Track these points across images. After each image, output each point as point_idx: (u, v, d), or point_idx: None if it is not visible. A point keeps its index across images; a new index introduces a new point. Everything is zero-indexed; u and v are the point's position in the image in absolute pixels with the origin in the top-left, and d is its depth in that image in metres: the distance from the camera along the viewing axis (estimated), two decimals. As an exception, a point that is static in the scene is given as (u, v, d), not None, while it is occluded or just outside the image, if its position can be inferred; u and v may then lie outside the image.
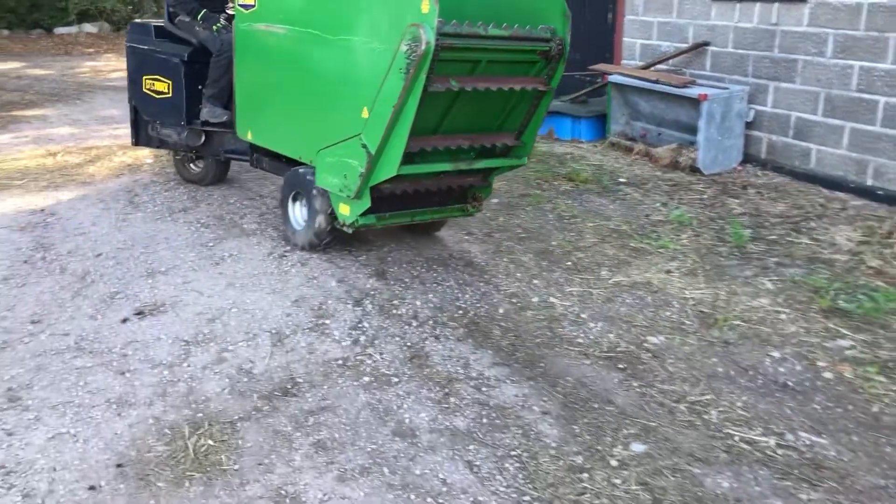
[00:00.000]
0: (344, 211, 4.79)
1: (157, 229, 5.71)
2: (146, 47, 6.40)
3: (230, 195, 6.57)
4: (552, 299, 4.75)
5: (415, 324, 4.35)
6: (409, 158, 4.41)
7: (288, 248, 5.40)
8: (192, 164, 6.86)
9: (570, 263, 5.33)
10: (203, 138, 6.35)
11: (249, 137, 5.64)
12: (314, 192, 4.96)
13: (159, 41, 6.38)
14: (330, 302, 4.56)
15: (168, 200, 6.39)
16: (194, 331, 4.15)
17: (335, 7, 4.73)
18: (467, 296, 4.75)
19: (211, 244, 5.45)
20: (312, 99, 4.91)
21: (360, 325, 4.28)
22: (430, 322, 4.37)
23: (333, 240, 5.17)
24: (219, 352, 3.95)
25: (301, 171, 5.12)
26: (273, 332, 4.17)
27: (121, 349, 3.93)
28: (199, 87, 6.16)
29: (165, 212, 6.10)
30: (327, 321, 4.32)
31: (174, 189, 6.71)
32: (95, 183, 6.83)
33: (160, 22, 6.59)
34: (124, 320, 4.25)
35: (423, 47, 3.96)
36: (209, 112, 6.05)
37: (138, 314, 4.33)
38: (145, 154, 7.66)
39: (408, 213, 5.02)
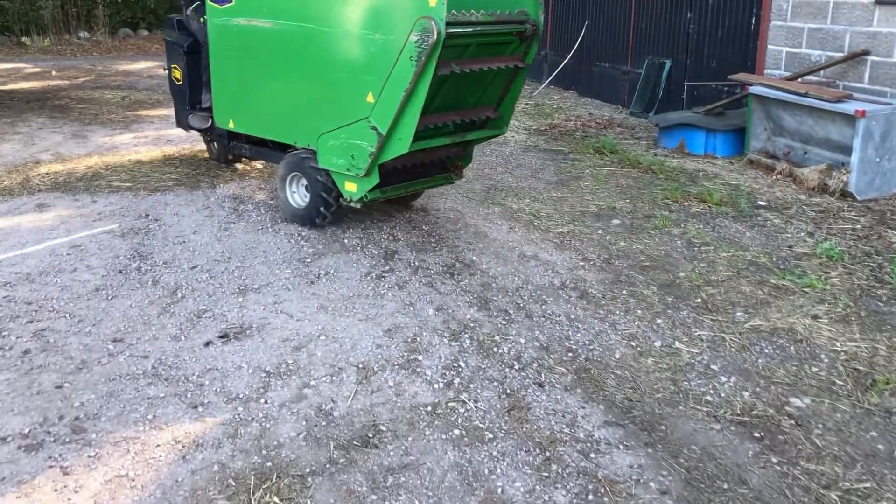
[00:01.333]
0: (350, 188, 5.28)
1: (257, 241, 5.47)
2: (170, 39, 6.93)
3: (335, 206, 6.27)
4: (678, 344, 4.16)
5: (517, 366, 3.87)
6: (415, 136, 4.92)
7: (388, 267, 5.04)
8: (212, 145, 7.32)
9: (699, 301, 4.70)
10: (209, 122, 6.62)
11: (231, 126, 6.13)
12: (316, 173, 5.40)
13: (179, 33, 6.82)
14: (425, 334, 4.14)
15: (273, 210, 6.17)
16: (277, 360, 3.82)
17: (331, 3, 5.08)
18: (579, 335, 4.23)
19: (308, 260, 5.15)
20: (309, 88, 5.36)
21: (455, 365, 3.84)
22: (535, 365, 3.88)
23: (333, 218, 5.64)
24: (300, 387, 3.60)
25: (301, 154, 5.52)
26: (360, 366, 3.80)
27: (198, 377, 3.65)
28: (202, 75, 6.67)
29: (268, 222, 5.87)
30: (420, 357, 3.90)
31: (279, 197, 6.48)
32: (204, 188, 6.70)
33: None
34: (207, 343, 3.98)
35: (435, 37, 4.43)
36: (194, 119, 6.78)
37: (223, 337, 4.05)
38: (256, 162, 7.49)
39: (402, 185, 5.54)
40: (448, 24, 4.52)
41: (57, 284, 4.66)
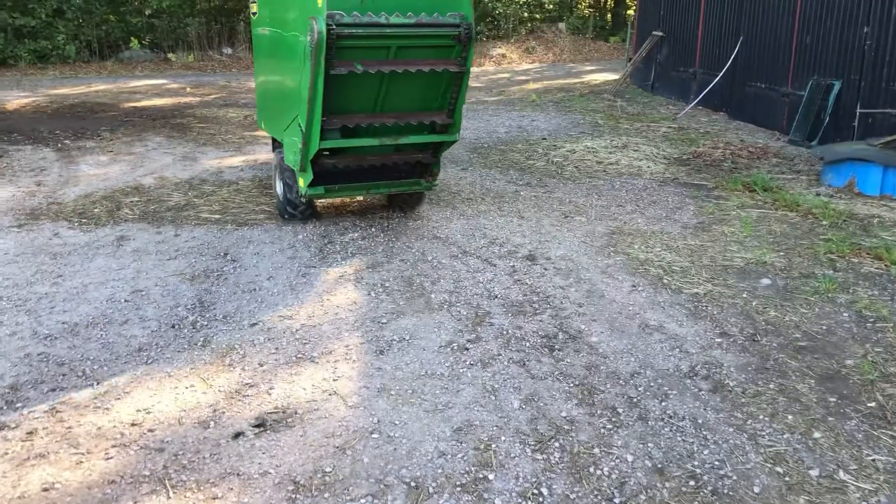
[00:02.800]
0: (301, 183, 5.56)
1: (334, 290, 4.78)
2: None
3: (431, 251, 5.53)
4: (842, 474, 3.09)
5: (617, 499, 2.91)
6: (348, 134, 5.36)
7: (474, 335, 4.21)
8: None
9: (873, 405, 3.58)
10: None
11: (262, 127, 6.80)
12: (283, 168, 5.79)
13: None
14: (504, 438, 3.26)
15: (360, 251, 5.48)
16: (313, 466, 3.06)
17: (283, 8, 5.59)
18: (707, 451, 3.22)
19: (384, 320, 4.39)
20: (279, 88, 5.94)
21: (536, 492, 2.94)
22: (642, 498, 2.91)
23: (311, 213, 6.02)
24: (331, 510, 2.81)
25: (280, 151, 5.91)
26: (413, 483, 2.97)
27: (212, 484, 2.94)
28: None
29: (351, 267, 5.17)
30: (491, 475, 3.03)
31: (373, 238, 5.80)
32: (295, 223, 6.10)
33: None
34: (237, 435, 3.27)
35: (316, 37, 4.66)
36: None
37: (258, 426, 3.33)
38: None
39: (363, 185, 5.69)
40: (345, 25, 4.75)
41: (100, 340, 4.13)
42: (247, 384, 3.70)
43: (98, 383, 3.69)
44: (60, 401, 3.53)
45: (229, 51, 18.38)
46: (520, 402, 3.57)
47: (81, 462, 3.09)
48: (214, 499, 2.89)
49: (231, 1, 18.32)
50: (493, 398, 3.60)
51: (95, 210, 6.45)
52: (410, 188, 5.90)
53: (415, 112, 5.39)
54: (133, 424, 3.35)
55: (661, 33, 13.23)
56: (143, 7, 17.73)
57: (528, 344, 4.16)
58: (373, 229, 6.00)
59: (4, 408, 3.46)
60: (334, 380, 3.75)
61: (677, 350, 4.14)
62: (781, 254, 5.55)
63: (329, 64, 4.80)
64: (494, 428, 3.36)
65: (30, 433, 3.29)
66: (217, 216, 6.30)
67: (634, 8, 15.03)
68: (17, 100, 12.87)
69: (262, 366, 3.88)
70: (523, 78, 16.90)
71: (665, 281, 5.09)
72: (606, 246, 5.72)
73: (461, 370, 3.86)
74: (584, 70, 17.91)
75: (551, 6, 22.53)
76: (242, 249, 5.54)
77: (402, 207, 6.42)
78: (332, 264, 5.26)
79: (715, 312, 4.62)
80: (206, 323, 4.36)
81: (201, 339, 4.17)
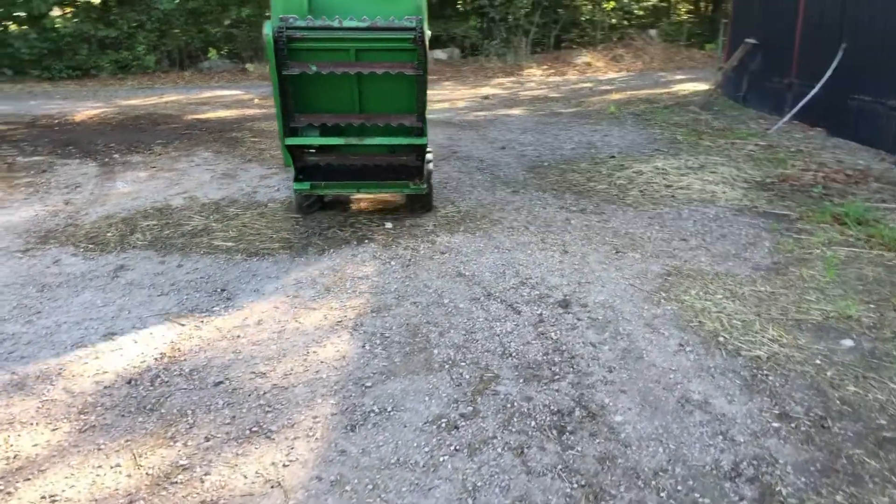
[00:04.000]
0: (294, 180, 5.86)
1: (324, 341, 4.19)
2: None
3: (450, 291, 4.90)
4: None
5: None
6: (330, 133, 5.66)
7: (471, 407, 3.51)
8: None
9: (976, 538, 2.66)
10: None
11: None
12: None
13: None
14: (467, 566, 2.53)
15: (371, 290, 4.90)
16: None
17: (272, 12, 5.50)
18: None
19: (370, 382, 3.73)
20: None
21: None
22: None
23: (317, 208, 6.33)
24: None
25: None
26: None
27: None
28: None
29: (354, 311, 4.58)
30: None
31: (390, 273, 5.22)
32: (310, 254, 5.58)
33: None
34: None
35: (264, 39, 5.03)
36: None
37: (173, 527, 2.71)
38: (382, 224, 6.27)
39: (352, 184, 5.93)
40: (298, 28, 5.05)
41: (45, 397, 3.62)
42: (181, 466, 3.10)
43: (15, 456, 3.16)
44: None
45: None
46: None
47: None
48: None
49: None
50: (471, 502, 2.87)
51: (108, 234, 6.05)
52: (398, 190, 6.07)
53: (389, 115, 5.53)
54: (27, 519, 2.80)
55: (753, 41, 12.10)
56: (223, 17, 17.74)
57: (533, 423, 3.42)
58: (393, 263, 5.36)
59: None
60: (285, 465, 3.11)
61: (720, 437, 3.31)
62: (871, 306, 4.59)
63: (282, 64, 5.07)
64: (459, 549, 2.64)
65: None
66: (230, 244, 5.80)
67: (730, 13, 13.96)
68: (87, 111, 12.90)
69: (207, 440, 3.28)
70: (606, 88, 15.97)
71: (721, 339, 4.24)
72: (658, 290, 4.89)
73: (442, 458, 3.15)
74: (673, 79, 16.80)
75: (642, 12, 21.43)
76: (243, 285, 5.00)
77: (411, 232, 5.84)
78: (335, 306, 4.65)
79: (777, 384, 3.75)
80: (167, 379, 3.80)
81: (154, 400, 3.61)
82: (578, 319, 4.50)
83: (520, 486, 2.98)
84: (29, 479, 3.01)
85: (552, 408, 3.55)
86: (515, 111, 12.80)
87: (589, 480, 3.02)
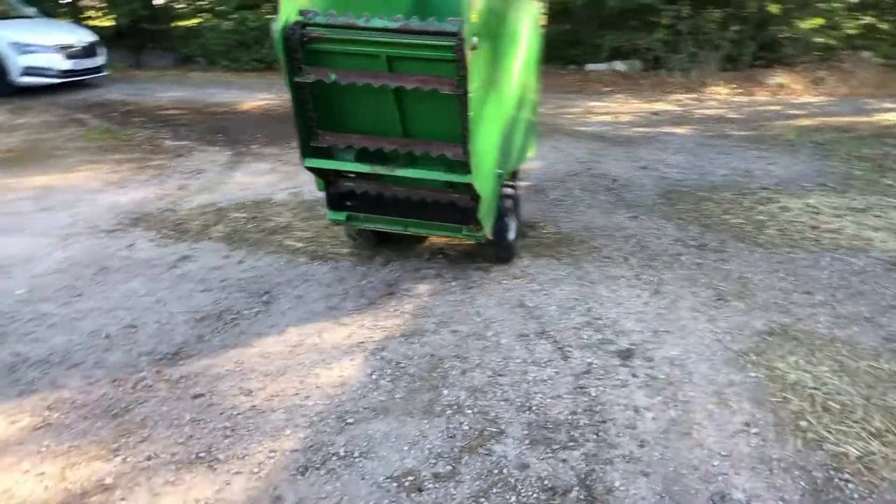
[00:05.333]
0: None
1: (334, 363, 3.84)
2: None
3: (500, 324, 4.37)
4: None
5: None
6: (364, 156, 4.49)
7: (446, 469, 2.99)
8: None
9: None
10: None
11: None
12: None
13: None
14: None
15: (416, 311, 4.47)
16: None
17: None
18: None
19: (353, 419, 3.32)
20: None
21: None
22: None
23: (373, 243, 5.33)
24: None
25: None
26: None
27: None
28: None
29: (384, 332, 4.15)
30: None
31: (446, 294, 4.78)
32: (376, 263, 5.20)
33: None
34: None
35: (273, 36, 4.01)
36: None
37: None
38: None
39: (400, 221, 4.80)
40: (317, 25, 4.04)
41: (22, 385, 3.50)
42: (103, 486, 2.83)
43: (-42, 446, 3.03)
44: None
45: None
46: None
47: None
48: None
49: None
50: (381, 590, 2.36)
51: (194, 223, 6.03)
52: (450, 234, 4.83)
53: (430, 142, 4.28)
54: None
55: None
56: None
57: (514, 499, 2.83)
58: (454, 283, 4.88)
59: None
60: (207, 503, 2.73)
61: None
62: None
63: (295, 69, 4.07)
64: None
65: None
66: (300, 244, 5.57)
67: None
68: (255, 101, 13.41)
69: (149, 459, 2.99)
70: (796, 112, 14.43)
71: (803, 423, 3.40)
72: (748, 352, 4.07)
73: (380, 526, 2.65)
74: (880, 108, 14.89)
75: (855, 31, 19.28)
76: (289, 290, 4.73)
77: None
78: (367, 324, 4.26)
79: (856, 496, 2.91)
80: (152, 383, 3.57)
81: (125, 404, 3.39)
82: (634, 376, 3.81)
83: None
84: (-47, 474, 2.85)
85: (546, 482, 2.94)
86: (680, 130, 11.82)
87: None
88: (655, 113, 13.66)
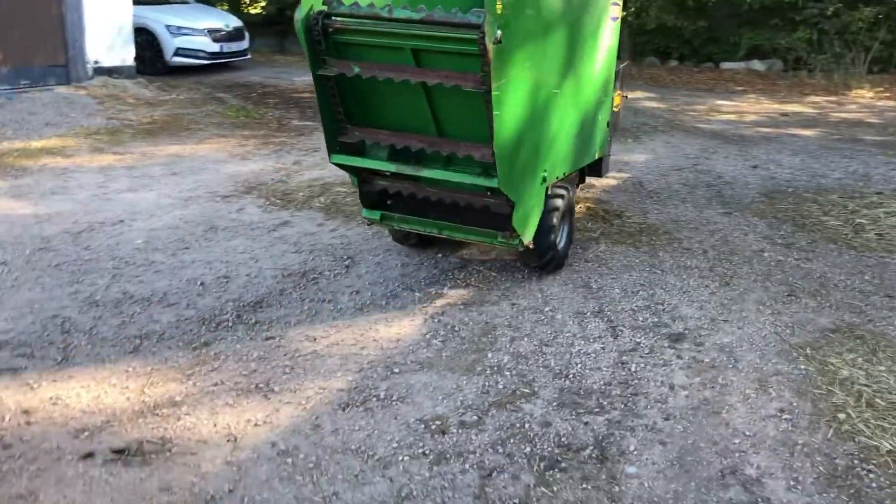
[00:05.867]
0: None
1: (395, 321, 4.15)
2: None
3: (559, 301, 4.55)
4: None
5: None
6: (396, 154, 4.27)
7: (472, 418, 3.28)
8: None
9: None
10: None
11: None
12: None
13: None
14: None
15: (483, 282, 4.70)
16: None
17: None
18: None
19: (398, 369, 3.64)
20: None
21: None
22: None
23: (415, 241, 5.15)
24: None
25: None
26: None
27: None
28: None
29: (449, 299, 4.44)
30: None
31: (514, 271, 4.95)
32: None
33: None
34: (87, 455, 2.88)
35: (295, 26, 3.86)
36: None
37: (118, 451, 2.90)
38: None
39: (435, 223, 4.50)
40: (340, 14, 3.87)
41: (120, 317, 4.04)
42: (174, 402, 3.30)
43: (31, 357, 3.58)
44: None
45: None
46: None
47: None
48: None
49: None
50: (386, 508, 2.67)
51: (300, 195, 6.54)
52: (485, 240, 4.46)
53: (459, 142, 4.07)
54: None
55: None
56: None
57: (528, 449, 3.07)
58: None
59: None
60: (256, 424, 3.15)
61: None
62: None
63: (318, 62, 3.94)
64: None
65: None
66: (391, 218, 5.94)
67: None
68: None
69: (216, 385, 3.44)
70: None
71: (842, 416, 3.44)
72: (803, 346, 4.09)
73: (402, 457, 2.98)
74: None
75: None
76: (370, 258, 5.11)
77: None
78: (433, 291, 4.57)
79: (873, 486, 2.96)
80: (231, 325, 4.04)
81: (205, 338, 3.86)
82: (678, 357, 3.93)
83: (454, 510, 2.69)
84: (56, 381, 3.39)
85: (563, 439, 3.15)
86: (807, 132, 11.41)
87: (536, 526, 2.64)
88: (785, 114, 13.21)
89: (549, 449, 3.08)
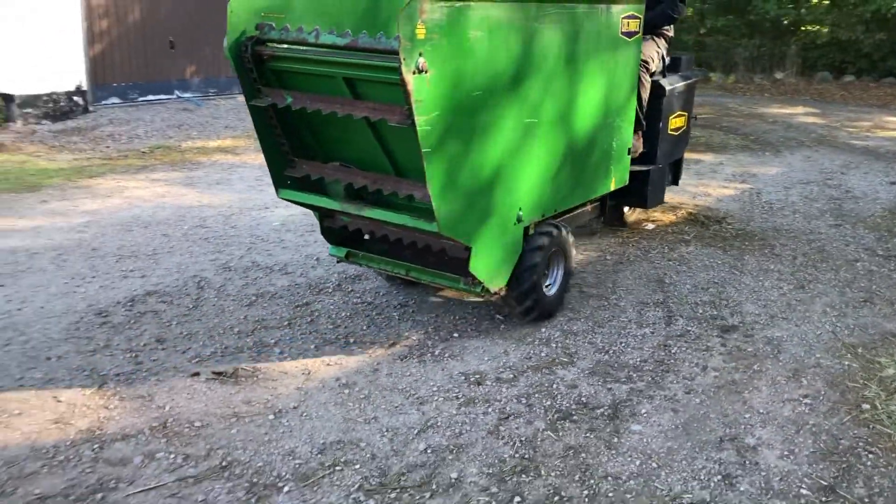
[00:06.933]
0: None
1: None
2: None
3: (626, 291, 4.93)
4: None
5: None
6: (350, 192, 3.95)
7: (510, 375, 3.81)
8: None
9: None
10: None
11: None
12: None
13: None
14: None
15: (583, 274, 5.17)
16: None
17: None
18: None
19: (457, 334, 4.22)
20: None
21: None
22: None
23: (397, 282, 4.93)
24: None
25: None
26: None
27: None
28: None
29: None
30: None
31: (598, 264, 5.35)
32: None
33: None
34: (195, 375, 3.71)
35: (224, 53, 3.65)
36: None
37: (195, 375, 3.72)
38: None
39: (401, 264, 4.17)
40: (270, 41, 3.64)
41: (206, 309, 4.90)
42: (275, 345, 4.05)
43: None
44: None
45: (780, 75, 17.44)
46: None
47: None
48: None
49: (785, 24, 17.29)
50: (416, 433, 3.28)
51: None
52: (450, 284, 4.06)
53: (400, 179, 3.81)
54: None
55: None
56: (699, 25, 17.99)
57: (548, 402, 3.57)
58: (609, 257, 5.53)
59: None
60: (328, 364, 3.85)
61: (724, 483, 3.06)
62: None
63: (251, 91, 3.72)
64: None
65: None
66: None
67: None
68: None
69: (306, 333, 4.17)
70: None
71: (867, 406, 3.66)
72: (855, 346, 4.28)
73: (436, 399, 3.57)
74: None
75: None
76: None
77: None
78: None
79: (867, 463, 3.20)
80: (332, 290, 4.79)
81: (310, 297, 4.63)
82: (723, 345, 4.24)
83: (468, 438, 3.25)
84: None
85: (583, 398, 3.61)
86: (974, 152, 10.77)
87: (535, 462, 3.15)
88: (957, 133, 12.44)
89: (568, 405, 3.54)
